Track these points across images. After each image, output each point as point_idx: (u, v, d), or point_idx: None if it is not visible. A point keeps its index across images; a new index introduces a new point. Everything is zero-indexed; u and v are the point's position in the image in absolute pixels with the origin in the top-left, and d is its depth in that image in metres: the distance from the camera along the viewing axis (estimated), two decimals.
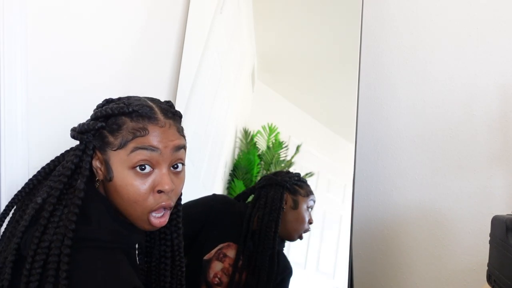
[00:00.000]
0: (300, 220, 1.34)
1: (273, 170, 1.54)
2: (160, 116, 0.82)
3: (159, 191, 0.81)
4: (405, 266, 1.68)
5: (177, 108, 1.74)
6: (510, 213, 1.08)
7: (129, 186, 0.79)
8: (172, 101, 1.67)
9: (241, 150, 1.59)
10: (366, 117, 1.70)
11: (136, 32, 1.60)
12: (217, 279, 1.27)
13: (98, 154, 0.82)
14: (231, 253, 1.29)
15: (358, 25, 1.54)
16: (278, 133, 1.57)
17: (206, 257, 1.28)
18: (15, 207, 0.88)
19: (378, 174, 1.71)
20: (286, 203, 1.33)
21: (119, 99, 0.87)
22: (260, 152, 1.57)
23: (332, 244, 1.45)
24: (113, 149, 0.80)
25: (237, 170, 1.58)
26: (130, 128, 0.79)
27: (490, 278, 1.09)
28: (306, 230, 1.35)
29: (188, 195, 1.27)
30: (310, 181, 1.42)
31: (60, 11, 1.38)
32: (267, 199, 1.33)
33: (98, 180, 0.83)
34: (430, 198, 1.64)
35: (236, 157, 1.59)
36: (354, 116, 1.50)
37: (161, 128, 0.81)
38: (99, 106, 0.87)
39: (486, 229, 1.13)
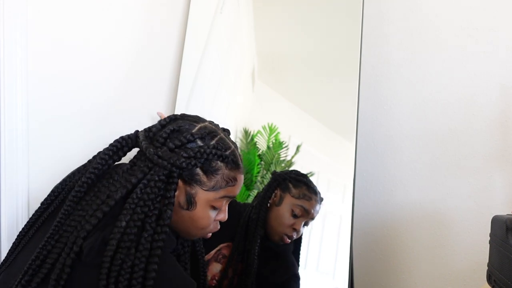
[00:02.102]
0: (279, 218, 1.25)
1: (273, 170, 1.54)
2: (241, 163, 0.90)
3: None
4: (405, 266, 1.68)
5: (177, 108, 1.74)
6: (510, 213, 1.08)
7: (205, 219, 0.88)
8: (172, 102, 1.68)
9: (241, 150, 1.59)
10: (366, 117, 1.70)
11: (137, 32, 1.60)
12: (214, 281, 1.23)
13: (180, 182, 0.85)
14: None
15: (359, 25, 1.53)
16: (278, 133, 1.56)
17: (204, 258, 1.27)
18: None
19: (378, 174, 1.71)
20: (275, 198, 1.28)
21: (200, 129, 0.87)
22: (260, 152, 1.57)
23: (332, 244, 1.45)
24: (204, 188, 0.86)
25: None
26: (225, 176, 0.87)
27: (490, 278, 1.09)
28: (288, 236, 1.24)
29: None
30: None
31: (60, 10, 1.38)
32: (261, 192, 1.32)
33: None
34: (430, 198, 1.63)
35: None
36: (354, 116, 1.49)
37: (241, 175, 0.91)
38: (187, 138, 0.84)
39: (486, 229, 1.13)
